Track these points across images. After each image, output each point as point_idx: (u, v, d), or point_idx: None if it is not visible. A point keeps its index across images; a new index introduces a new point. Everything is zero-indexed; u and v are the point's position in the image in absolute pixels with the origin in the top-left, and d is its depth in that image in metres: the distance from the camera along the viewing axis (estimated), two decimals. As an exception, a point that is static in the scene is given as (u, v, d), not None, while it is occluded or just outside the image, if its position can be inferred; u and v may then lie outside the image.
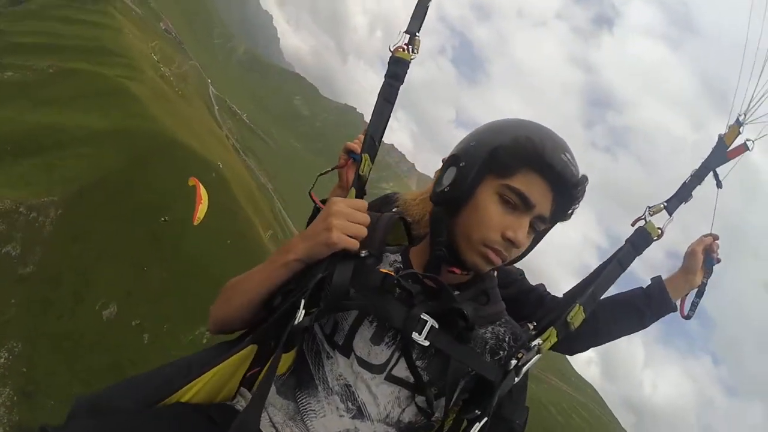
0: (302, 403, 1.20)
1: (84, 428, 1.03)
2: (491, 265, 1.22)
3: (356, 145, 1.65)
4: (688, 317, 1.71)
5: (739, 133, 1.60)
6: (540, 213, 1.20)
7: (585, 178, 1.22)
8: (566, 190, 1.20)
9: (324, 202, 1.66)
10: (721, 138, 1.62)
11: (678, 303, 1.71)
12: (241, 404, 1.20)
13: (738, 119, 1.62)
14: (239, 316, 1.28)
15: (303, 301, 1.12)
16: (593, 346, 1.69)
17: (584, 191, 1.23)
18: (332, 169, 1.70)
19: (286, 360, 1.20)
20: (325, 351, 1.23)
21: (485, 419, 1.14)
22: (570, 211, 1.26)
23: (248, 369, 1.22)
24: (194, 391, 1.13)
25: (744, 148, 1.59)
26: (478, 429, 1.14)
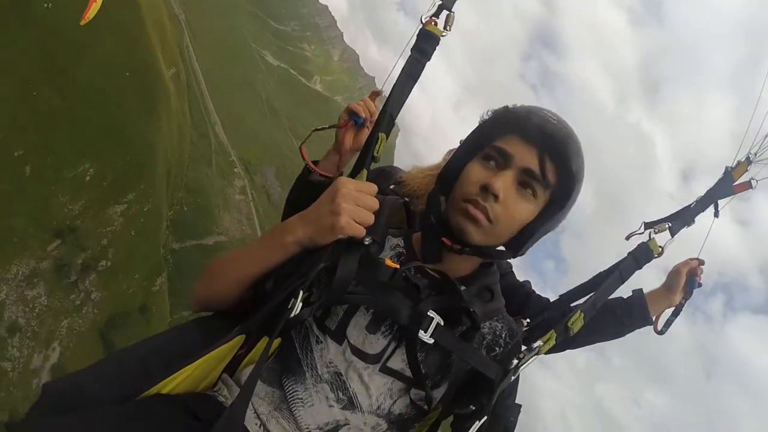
0: (289, 390, 1.14)
1: (57, 428, 0.93)
2: (473, 222, 1.16)
3: (360, 108, 1.54)
4: (661, 333, 1.87)
5: (747, 170, 1.70)
6: (524, 165, 1.16)
7: (572, 132, 1.18)
8: (552, 144, 1.15)
9: (316, 163, 1.60)
10: (728, 171, 1.71)
11: (654, 318, 1.85)
12: (223, 393, 1.13)
13: (748, 157, 1.71)
14: (227, 295, 1.20)
15: (301, 293, 1.05)
16: (570, 349, 1.80)
17: (577, 145, 1.18)
18: (329, 127, 1.59)
19: (273, 345, 1.13)
20: (315, 335, 1.17)
21: (485, 417, 1.13)
22: (572, 168, 1.17)
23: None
24: (176, 382, 1.05)
25: (748, 185, 1.69)
26: (478, 426, 1.13)
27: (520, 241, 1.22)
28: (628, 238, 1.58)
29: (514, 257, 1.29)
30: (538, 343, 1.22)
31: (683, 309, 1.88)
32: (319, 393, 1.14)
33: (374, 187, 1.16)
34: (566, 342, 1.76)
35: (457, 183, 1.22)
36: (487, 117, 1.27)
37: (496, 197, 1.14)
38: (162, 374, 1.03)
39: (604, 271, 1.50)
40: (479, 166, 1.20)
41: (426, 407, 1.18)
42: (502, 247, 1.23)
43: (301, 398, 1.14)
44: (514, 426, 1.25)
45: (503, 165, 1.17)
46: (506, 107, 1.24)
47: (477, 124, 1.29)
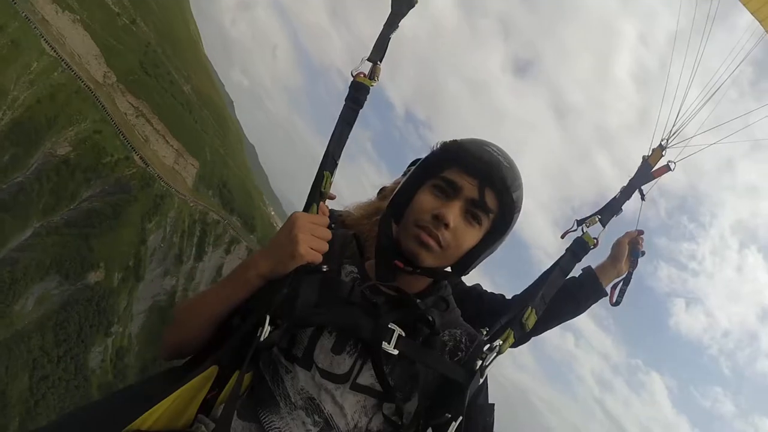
0: (266, 422, 1.19)
1: None
2: (425, 248, 1.27)
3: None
4: (617, 303, 1.97)
5: (662, 155, 1.87)
6: (469, 196, 1.28)
7: (512, 162, 1.31)
8: (492, 175, 1.27)
9: None
10: (645, 159, 1.89)
11: (608, 290, 1.95)
12: (200, 430, 1.18)
13: (661, 143, 1.89)
14: (196, 338, 1.28)
15: (268, 318, 1.14)
16: (535, 335, 1.90)
17: (515, 175, 1.31)
18: None
19: (245, 378, 1.19)
20: (283, 366, 1.23)
21: (460, 418, 1.18)
22: (511, 196, 1.29)
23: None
24: (154, 418, 1.09)
25: (667, 168, 1.87)
26: (455, 427, 1.18)
27: (465, 264, 1.35)
28: (563, 236, 1.71)
29: (460, 277, 1.43)
30: (498, 342, 1.32)
31: (632, 277, 1.98)
32: (295, 420, 1.19)
33: (326, 219, 1.29)
34: (531, 331, 1.85)
35: (409, 209, 1.33)
36: (436, 149, 1.40)
37: (446, 225, 1.26)
38: (139, 410, 1.08)
39: (547, 269, 1.62)
40: (430, 196, 1.32)
41: (399, 422, 1.22)
42: (448, 269, 1.36)
43: (278, 427, 1.19)
44: (492, 425, 1.31)
45: (452, 195, 1.29)
46: (454, 140, 1.37)
47: (426, 155, 1.42)
